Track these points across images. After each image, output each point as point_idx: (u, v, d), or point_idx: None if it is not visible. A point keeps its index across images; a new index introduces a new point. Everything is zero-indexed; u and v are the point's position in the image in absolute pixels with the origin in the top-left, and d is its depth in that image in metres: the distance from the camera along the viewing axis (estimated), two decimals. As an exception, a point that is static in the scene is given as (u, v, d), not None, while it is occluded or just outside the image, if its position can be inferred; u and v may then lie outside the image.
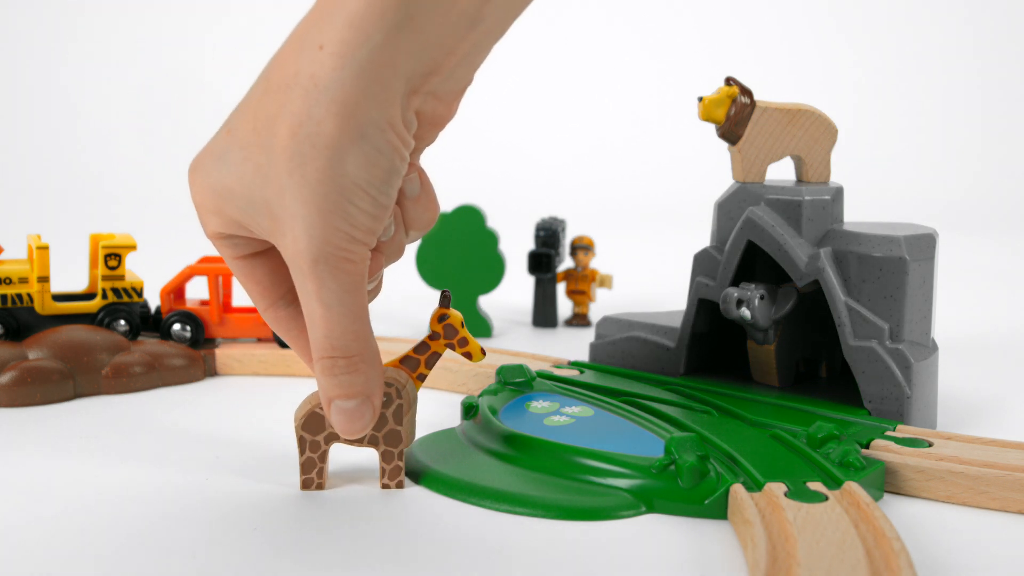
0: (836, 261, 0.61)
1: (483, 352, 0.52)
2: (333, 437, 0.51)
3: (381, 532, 0.47)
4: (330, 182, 0.41)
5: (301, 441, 0.51)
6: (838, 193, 0.64)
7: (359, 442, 0.51)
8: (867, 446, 0.54)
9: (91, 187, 1.80)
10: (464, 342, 0.52)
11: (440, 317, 0.51)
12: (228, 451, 0.58)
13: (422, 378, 0.52)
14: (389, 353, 0.73)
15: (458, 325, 0.51)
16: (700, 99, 0.64)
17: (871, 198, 1.61)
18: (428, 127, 0.44)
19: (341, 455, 0.55)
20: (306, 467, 0.51)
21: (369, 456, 0.55)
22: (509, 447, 0.55)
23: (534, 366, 0.70)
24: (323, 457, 0.51)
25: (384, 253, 0.47)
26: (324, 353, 0.44)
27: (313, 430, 0.51)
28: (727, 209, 0.66)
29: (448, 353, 0.74)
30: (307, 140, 0.40)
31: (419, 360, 0.52)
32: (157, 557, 0.44)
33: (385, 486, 0.52)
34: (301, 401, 0.52)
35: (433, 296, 0.94)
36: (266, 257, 0.47)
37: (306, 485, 0.51)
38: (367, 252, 0.43)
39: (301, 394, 0.67)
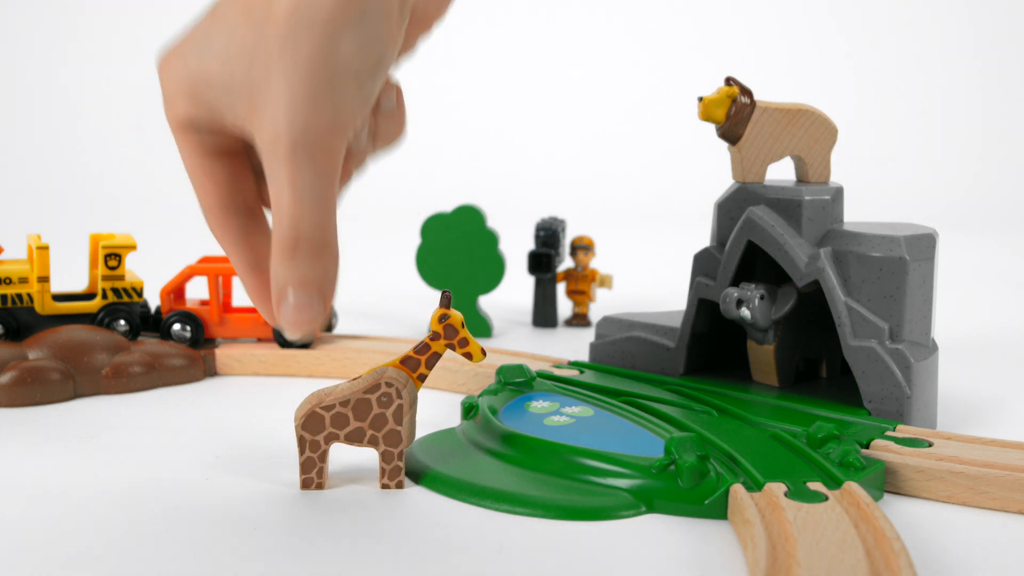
0: (836, 261, 0.61)
1: (483, 352, 0.52)
2: (333, 437, 0.51)
3: (381, 532, 0.47)
4: (322, 63, 0.40)
5: (301, 441, 0.51)
6: (838, 193, 0.64)
7: (359, 442, 0.51)
8: (867, 446, 0.54)
9: (91, 187, 1.80)
10: (464, 342, 0.52)
11: (441, 317, 0.51)
12: (228, 451, 0.58)
13: (422, 378, 0.52)
14: (389, 353, 0.73)
15: (458, 325, 0.51)
16: (700, 99, 0.64)
17: (871, 198, 1.61)
18: (416, 25, 0.44)
19: (341, 455, 0.55)
20: (306, 467, 0.51)
21: (369, 456, 0.55)
22: (509, 447, 0.55)
23: (534, 366, 0.70)
24: (323, 457, 0.51)
25: (351, 162, 0.46)
26: (288, 241, 0.41)
27: (313, 430, 0.51)
28: (727, 209, 0.66)
29: (448, 353, 0.74)
30: (305, 18, 0.39)
31: (420, 360, 0.52)
32: (157, 557, 0.44)
33: (385, 486, 0.52)
34: (301, 401, 0.52)
35: (433, 296, 0.94)
36: (229, 159, 0.45)
37: (306, 485, 0.51)
38: (344, 145, 0.42)
39: (301, 394, 0.67)
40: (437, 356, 0.52)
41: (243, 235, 0.46)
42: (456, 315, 0.51)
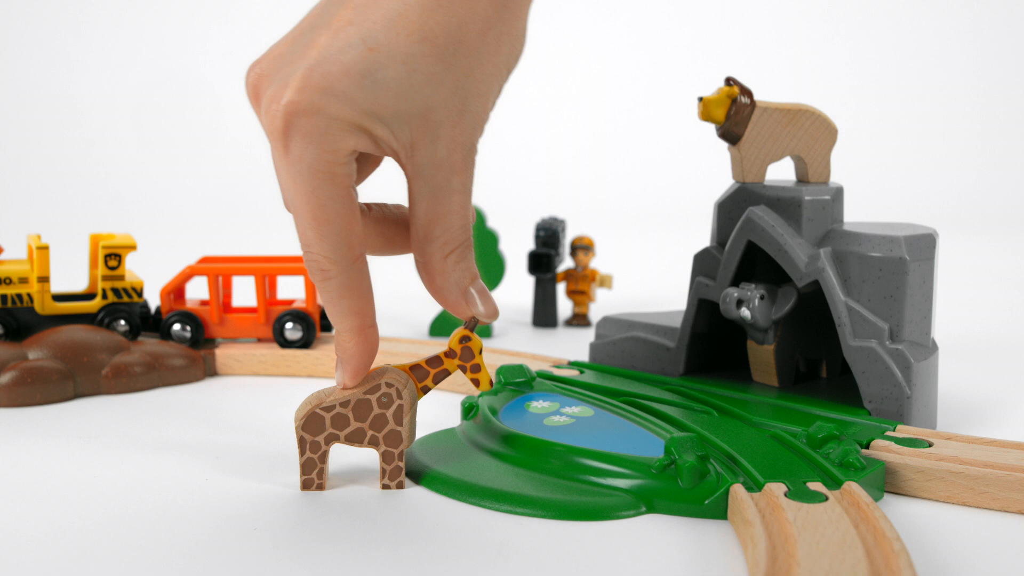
0: (836, 261, 0.61)
1: (491, 384, 0.52)
2: (333, 438, 0.51)
3: (381, 532, 0.47)
4: (498, 85, 0.47)
5: (301, 442, 0.51)
6: (838, 193, 0.64)
7: (360, 443, 0.51)
8: (867, 446, 0.54)
9: (91, 187, 1.80)
10: (477, 368, 0.52)
11: (462, 338, 0.52)
12: (228, 451, 0.58)
13: (426, 390, 0.52)
14: (390, 353, 0.73)
15: (476, 351, 0.52)
16: (700, 99, 0.64)
17: (871, 198, 1.62)
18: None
19: (341, 456, 0.55)
20: (306, 467, 0.51)
21: (369, 456, 0.55)
22: (509, 447, 0.55)
23: (534, 366, 0.70)
24: (323, 457, 0.51)
25: None
26: (462, 242, 0.48)
27: (313, 431, 0.51)
28: (727, 209, 0.66)
29: (448, 353, 0.74)
30: (498, 40, 0.46)
31: (429, 372, 0.52)
32: (157, 557, 0.44)
33: (385, 486, 0.52)
34: (301, 401, 0.52)
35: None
36: (357, 197, 0.47)
37: (306, 486, 0.51)
38: None
39: (301, 394, 0.67)
40: (447, 374, 0.52)
41: (384, 228, 0.50)
42: (477, 341, 0.52)
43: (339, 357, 0.49)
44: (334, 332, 0.49)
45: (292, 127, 0.44)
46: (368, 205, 0.50)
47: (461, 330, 0.52)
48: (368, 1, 0.45)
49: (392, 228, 0.51)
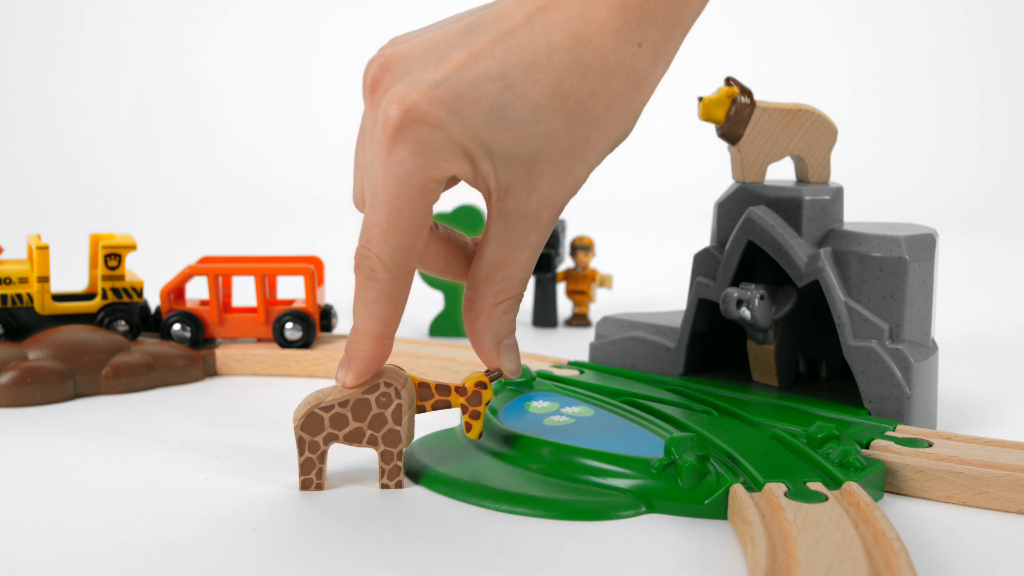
0: (836, 261, 0.61)
1: (479, 436, 0.54)
2: (332, 437, 0.51)
3: (382, 532, 0.47)
4: (600, 152, 0.48)
5: (300, 442, 0.51)
6: (838, 193, 0.64)
7: (358, 442, 0.51)
8: (867, 446, 0.54)
9: (91, 187, 1.80)
10: (476, 415, 0.53)
11: (479, 383, 0.52)
12: (228, 451, 0.58)
13: (421, 410, 0.52)
14: (393, 355, 0.73)
15: (484, 401, 0.53)
16: (700, 99, 0.64)
17: (871, 198, 1.61)
18: None
19: (340, 455, 0.55)
20: (305, 468, 0.51)
21: (368, 456, 0.55)
22: (509, 447, 0.55)
23: (534, 366, 0.70)
24: (322, 457, 0.51)
25: None
26: (516, 297, 0.49)
27: (312, 430, 0.51)
28: (727, 209, 0.66)
29: (448, 352, 0.74)
30: (619, 118, 0.47)
31: (432, 396, 0.52)
32: (157, 557, 0.44)
33: (384, 486, 0.52)
34: (300, 401, 0.52)
35: (433, 296, 0.94)
36: (432, 216, 0.48)
37: (305, 486, 0.51)
38: None
39: (301, 394, 0.67)
40: (447, 406, 0.53)
41: (408, 286, 0.49)
42: (490, 394, 0.53)
43: (348, 355, 0.49)
44: (351, 330, 0.49)
45: (407, 131, 0.44)
46: (436, 224, 0.51)
47: (483, 376, 0.53)
48: (513, 40, 0.45)
49: (453, 253, 0.51)
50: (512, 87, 0.45)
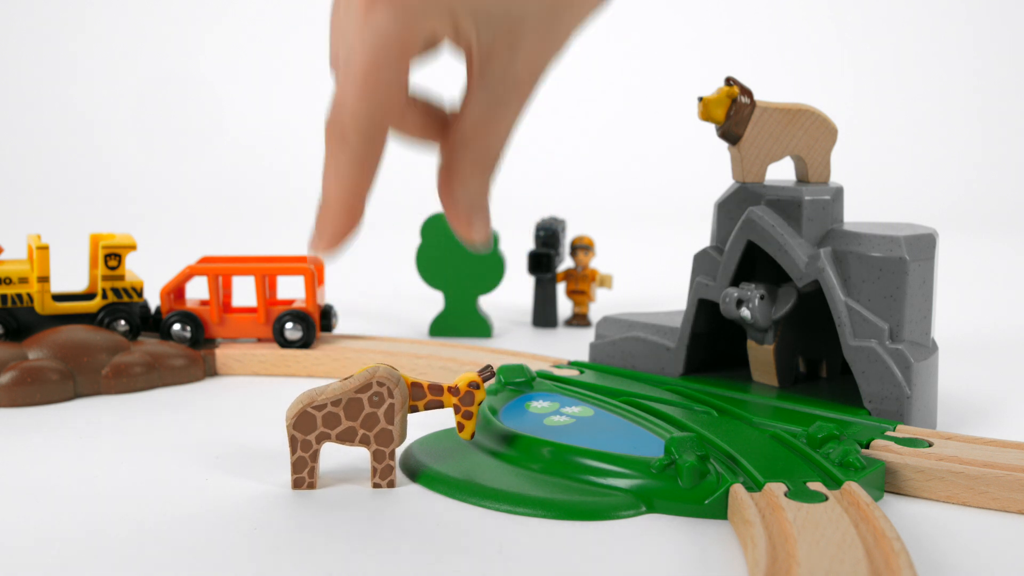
0: (836, 261, 0.61)
1: (472, 436, 0.54)
2: (325, 436, 0.51)
3: (377, 532, 0.47)
4: (581, 23, 0.47)
5: (292, 440, 0.51)
6: (838, 193, 0.64)
7: (351, 441, 0.51)
8: (867, 446, 0.54)
9: (91, 187, 1.80)
10: (469, 416, 0.53)
11: (471, 383, 0.53)
12: (228, 451, 0.58)
13: (414, 410, 0.52)
14: (390, 353, 0.74)
15: (477, 401, 0.53)
16: (700, 99, 0.64)
17: (871, 198, 1.61)
18: None
19: (333, 454, 0.55)
20: (297, 466, 0.51)
21: (361, 455, 0.55)
22: (509, 447, 0.55)
23: (534, 366, 0.70)
24: (314, 456, 0.51)
25: None
26: (493, 159, 0.47)
27: (305, 429, 0.51)
28: (727, 209, 0.66)
29: (448, 351, 0.74)
30: None
31: (425, 395, 0.52)
32: (156, 556, 0.44)
33: (376, 485, 0.52)
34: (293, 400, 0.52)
35: (433, 296, 0.94)
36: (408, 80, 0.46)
37: (297, 484, 0.51)
38: None
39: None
40: (439, 406, 0.53)
41: (380, 151, 0.47)
42: (483, 395, 0.53)
43: (318, 229, 0.47)
44: (320, 201, 0.46)
45: None
46: (413, 97, 0.49)
47: (475, 376, 0.53)
48: None
49: (430, 118, 0.49)
50: None
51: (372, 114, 0.44)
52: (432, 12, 0.43)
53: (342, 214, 0.46)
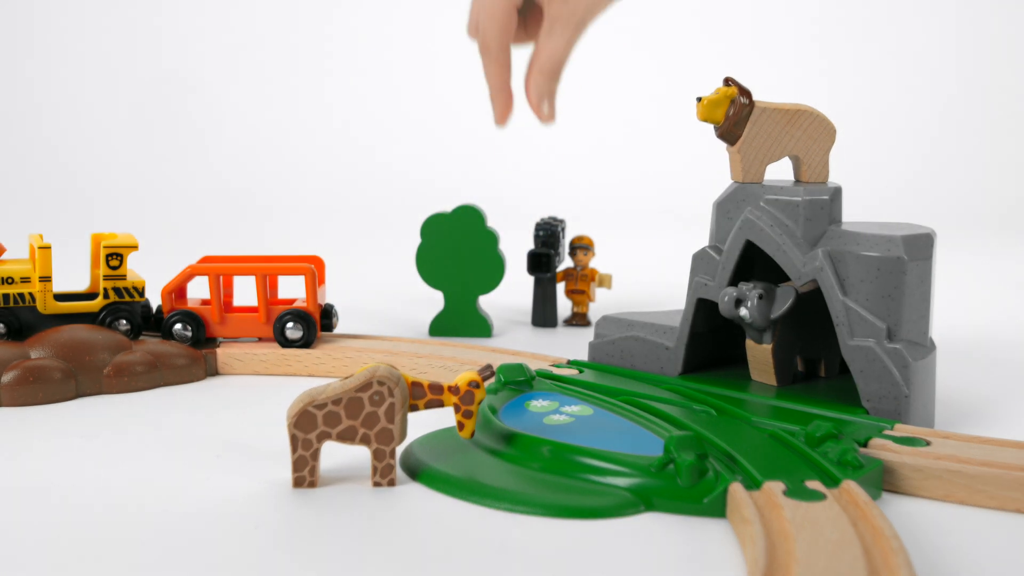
0: (834, 261, 0.61)
1: (472, 435, 0.54)
2: (325, 435, 0.51)
3: (377, 530, 0.47)
4: None
5: (293, 439, 0.51)
6: (836, 193, 0.64)
7: (351, 440, 0.51)
8: (865, 445, 0.54)
9: (93, 187, 1.81)
10: (468, 415, 0.54)
11: (471, 383, 0.53)
12: (229, 450, 0.58)
13: (414, 408, 0.52)
14: (390, 353, 0.74)
15: (477, 401, 0.53)
16: (699, 99, 0.64)
17: (869, 198, 1.62)
18: None
19: (333, 453, 0.56)
20: (298, 465, 0.51)
21: (361, 454, 0.55)
22: (509, 446, 0.55)
23: (534, 365, 0.70)
24: (315, 455, 0.51)
25: None
26: (556, 68, 0.75)
27: (305, 428, 0.51)
28: (726, 209, 0.66)
29: (447, 351, 0.75)
30: None
31: (425, 394, 0.53)
32: (158, 555, 0.45)
33: (377, 484, 0.52)
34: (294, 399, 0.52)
35: (432, 296, 0.94)
36: (516, 13, 0.76)
37: (298, 483, 0.52)
38: None
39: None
40: (439, 405, 0.53)
41: (508, 62, 0.77)
42: (483, 394, 0.53)
43: (493, 105, 0.77)
44: (489, 91, 0.77)
45: None
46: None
47: (475, 375, 0.53)
48: None
49: (529, 35, 0.79)
50: None
51: (498, 33, 0.75)
52: None
53: (502, 95, 0.77)
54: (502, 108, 0.79)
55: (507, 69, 0.78)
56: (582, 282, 0.92)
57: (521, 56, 0.81)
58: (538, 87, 0.76)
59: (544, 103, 0.77)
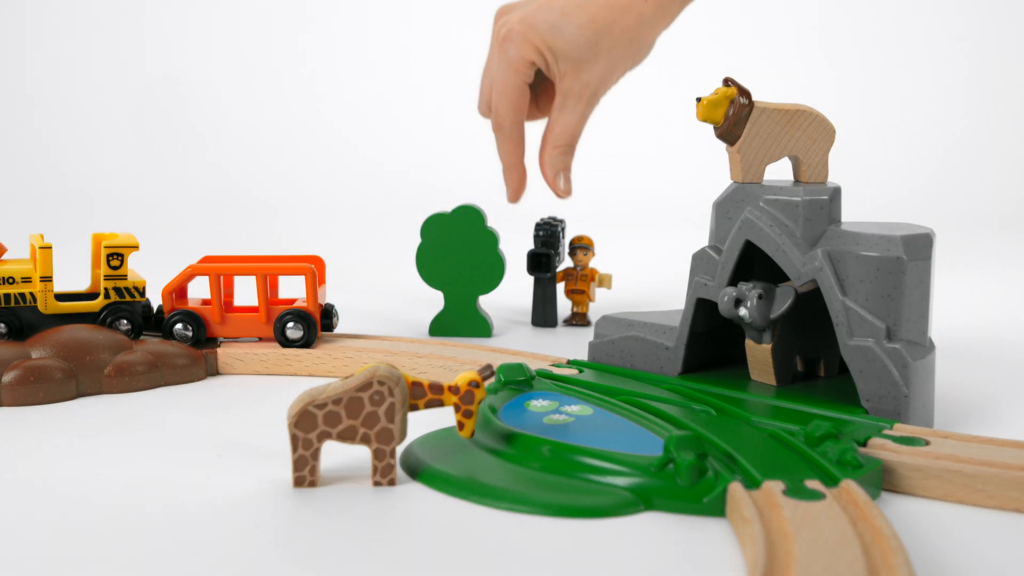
0: (834, 261, 0.61)
1: (472, 435, 0.54)
2: (326, 435, 0.51)
3: (377, 530, 0.47)
4: (620, 64, 0.77)
5: (294, 439, 0.51)
6: (836, 193, 0.64)
7: (352, 440, 0.51)
8: (864, 445, 0.54)
9: (93, 187, 1.81)
10: (468, 414, 0.54)
11: (472, 382, 0.53)
12: (229, 450, 0.58)
13: (414, 408, 0.52)
14: (390, 353, 0.74)
15: (477, 401, 0.53)
16: (698, 100, 0.64)
17: (869, 198, 1.62)
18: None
19: (334, 453, 0.56)
20: (299, 464, 0.52)
21: (362, 454, 0.56)
22: (509, 445, 0.55)
23: (534, 365, 0.71)
24: (316, 455, 0.51)
25: None
26: (567, 144, 0.78)
27: (306, 428, 0.51)
28: (725, 209, 0.66)
29: (447, 351, 0.75)
30: (630, 38, 0.76)
31: (426, 394, 0.53)
32: (158, 554, 0.45)
33: (377, 483, 0.52)
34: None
35: (432, 296, 0.94)
36: (527, 88, 0.78)
37: (299, 483, 0.52)
38: None
39: (302, 393, 0.67)
40: (439, 404, 0.53)
41: (521, 136, 0.79)
42: (483, 393, 0.54)
43: (506, 183, 0.80)
44: (502, 167, 0.80)
45: (509, 36, 0.76)
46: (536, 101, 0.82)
47: (475, 375, 0.53)
48: None
49: (542, 112, 0.83)
50: (566, 15, 0.75)
51: (510, 110, 0.78)
52: (532, 49, 0.76)
53: (515, 172, 0.80)
54: (516, 185, 0.81)
55: (521, 146, 0.79)
56: (582, 282, 0.92)
57: (534, 130, 0.83)
58: (553, 162, 0.78)
59: (560, 177, 0.79)
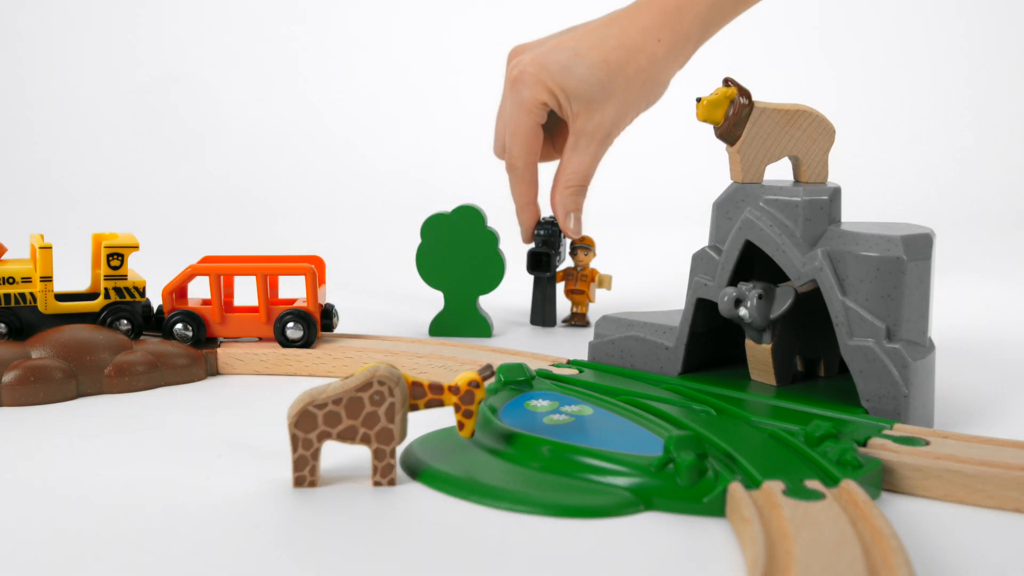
0: (834, 261, 0.61)
1: (472, 435, 0.54)
2: (326, 435, 0.51)
3: (377, 530, 0.47)
4: (634, 104, 0.78)
5: (294, 439, 0.51)
6: (836, 193, 0.64)
7: (352, 440, 0.51)
8: (864, 445, 0.54)
9: (94, 187, 1.81)
10: (469, 414, 0.54)
11: (472, 382, 0.53)
12: (230, 450, 0.58)
13: (414, 408, 0.52)
14: (390, 353, 0.74)
15: (477, 401, 0.53)
16: (698, 100, 0.64)
17: (869, 198, 1.62)
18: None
19: (334, 453, 0.56)
20: (299, 464, 0.52)
21: (362, 454, 0.56)
22: (509, 445, 0.55)
23: (533, 365, 0.71)
24: (316, 455, 0.51)
25: None
26: (578, 185, 0.80)
27: (306, 428, 0.51)
28: (725, 209, 0.66)
29: (447, 351, 0.75)
30: (643, 79, 0.78)
31: (426, 394, 0.53)
32: (158, 554, 0.45)
33: (377, 483, 0.52)
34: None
35: (432, 296, 0.94)
36: (540, 128, 0.80)
37: (299, 483, 0.52)
38: None
39: (302, 393, 0.67)
40: (439, 404, 0.53)
41: (534, 177, 0.82)
42: (483, 393, 0.54)
43: (519, 223, 0.84)
44: (515, 206, 0.83)
45: (522, 78, 0.77)
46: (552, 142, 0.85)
47: (475, 375, 0.53)
48: (584, 31, 0.79)
49: (555, 152, 0.85)
50: (579, 55, 0.76)
51: (523, 151, 0.79)
52: (544, 90, 0.77)
53: (528, 212, 0.83)
54: (529, 225, 0.83)
55: (534, 187, 0.81)
56: (582, 282, 0.92)
57: (546, 170, 0.83)
58: (564, 203, 0.79)
59: (570, 218, 0.80)
